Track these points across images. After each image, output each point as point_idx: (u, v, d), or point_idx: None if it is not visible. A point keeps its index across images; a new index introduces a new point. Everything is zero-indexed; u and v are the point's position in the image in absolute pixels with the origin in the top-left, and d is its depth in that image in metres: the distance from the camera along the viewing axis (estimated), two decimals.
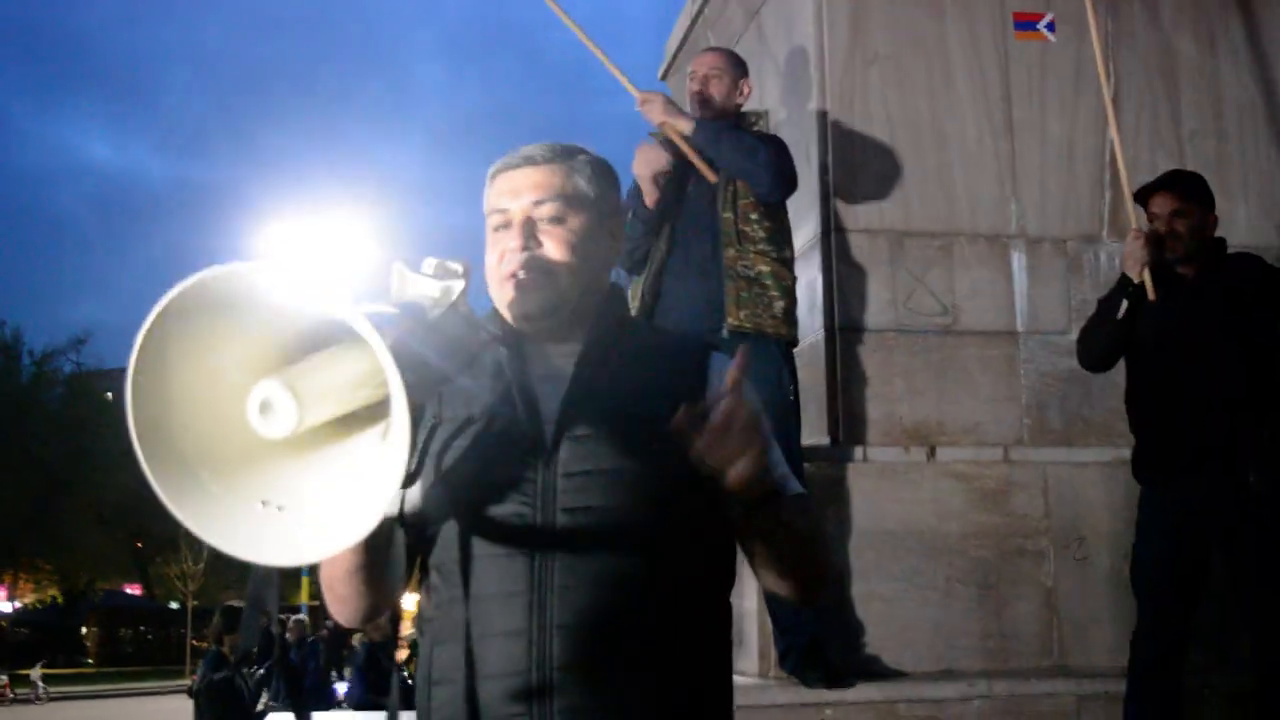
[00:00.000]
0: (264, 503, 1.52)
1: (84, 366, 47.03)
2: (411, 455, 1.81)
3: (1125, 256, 4.48)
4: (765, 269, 4.69)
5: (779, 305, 4.69)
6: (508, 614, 1.84)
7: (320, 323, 1.50)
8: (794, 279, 4.82)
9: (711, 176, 4.71)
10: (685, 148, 4.73)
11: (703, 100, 4.93)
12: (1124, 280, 4.47)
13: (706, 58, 5.09)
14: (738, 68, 5.03)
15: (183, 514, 1.47)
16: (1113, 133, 4.93)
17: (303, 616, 14.85)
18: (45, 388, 46.02)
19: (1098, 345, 4.60)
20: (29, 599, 49.49)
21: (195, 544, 39.35)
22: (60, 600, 50.33)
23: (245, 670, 11.22)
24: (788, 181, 4.81)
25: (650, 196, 4.82)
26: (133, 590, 55.60)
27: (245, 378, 1.48)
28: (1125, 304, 4.44)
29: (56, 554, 44.47)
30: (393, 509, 1.95)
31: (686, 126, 4.74)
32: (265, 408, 1.46)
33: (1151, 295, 4.38)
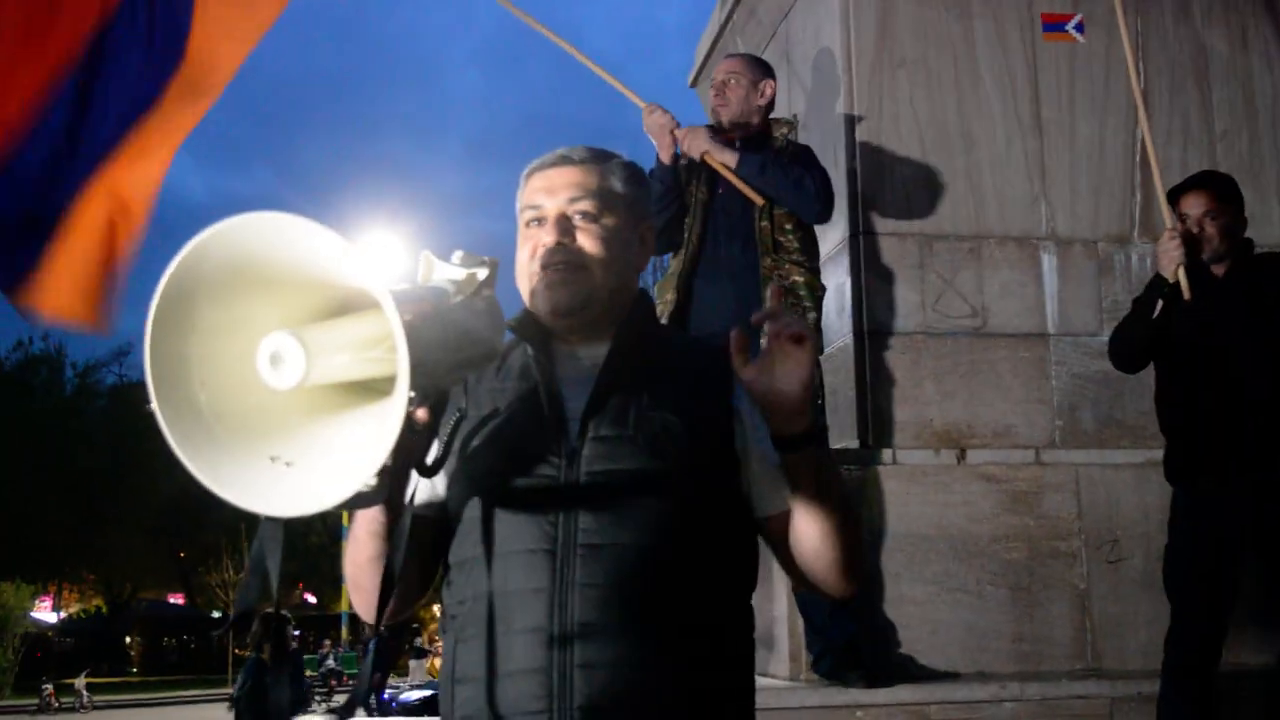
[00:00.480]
0: (273, 458, 1.55)
1: (126, 378, 47.45)
2: (435, 443, 1.83)
3: (1160, 255, 4.45)
4: (800, 279, 4.71)
5: (811, 316, 4.70)
6: (530, 610, 1.86)
7: (340, 289, 1.53)
8: (824, 289, 4.84)
9: (759, 201, 4.74)
10: (731, 177, 4.75)
11: (721, 104, 4.96)
12: (1158, 280, 4.44)
13: (724, 63, 5.12)
14: (756, 70, 5.03)
15: (195, 465, 1.50)
16: (1144, 131, 4.90)
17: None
18: (88, 399, 46.51)
19: (1132, 346, 4.57)
20: (74, 609, 49.99)
21: (236, 553, 39.71)
22: (104, 610, 50.78)
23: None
24: (831, 206, 4.87)
25: (665, 151, 4.86)
26: (175, 599, 56.05)
27: (262, 333, 1.50)
28: (1160, 304, 4.42)
29: (100, 564, 44.88)
30: (420, 500, 1.97)
31: (731, 159, 4.77)
32: (275, 359, 1.48)
33: (1187, 295, 4.35)
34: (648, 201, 2.20)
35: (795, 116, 5.18)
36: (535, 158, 2.14)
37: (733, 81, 4.97)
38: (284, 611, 11.01)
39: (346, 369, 1.57)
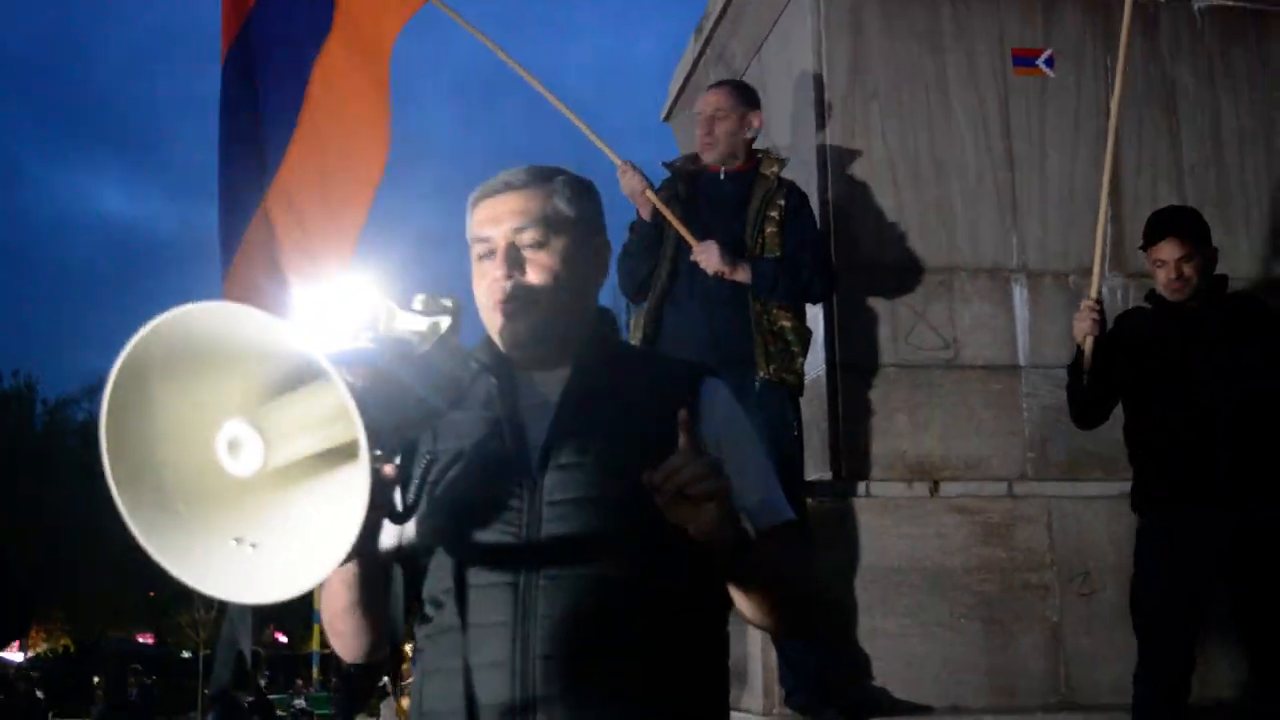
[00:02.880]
0: (238, 540, 1.52)
1: (97, 415, 47.14)
2: (407, 490, 1.81)
3: (1075, 322, 4.54)
4: (787, 324, 4.70)
5: (799, 361, 4.71)
6: (493, 644, 1.84)
7: (296, 363, 1.51)
8: (810, 334, 4.85)
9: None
10: (740, 277, 4.74)
11: (708, 143, 4.93)
12: (1079, 348, 4.53)
13: (711, 97, 5.04)
14: (743, 102, 4.98)
15: (155, 548, 1.48)
16: (1106, 176, 4.91)
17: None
18: (59, 436, 46.08)
19: (1076, 409, 4.64)
20: (41, 648, 49.37)
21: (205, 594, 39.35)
22: (72, 649, 50.18)
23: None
24: (830, 295, 5.05)
25: (644, 209, 4.84)
26: (144, 639, 55.45)
27: (221, 416, 1.49)
28: (1085, 373, 4.49)
29: (69, 603, 44.39)
30: (390, 544, 1.95)
31: (744, 275, 4.71)
32: (234, 446, 1.47)
33: (1087, 366, 4.46)
34: (599, 216, 2.14)
35: (786, 159, 5.10)
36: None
37: (719, 117, 4.93)
38: (257, 649, 10.91)
39: (306, 446, 1.55)
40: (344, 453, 1.55)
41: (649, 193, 4.83)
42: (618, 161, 4.98)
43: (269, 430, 1.47)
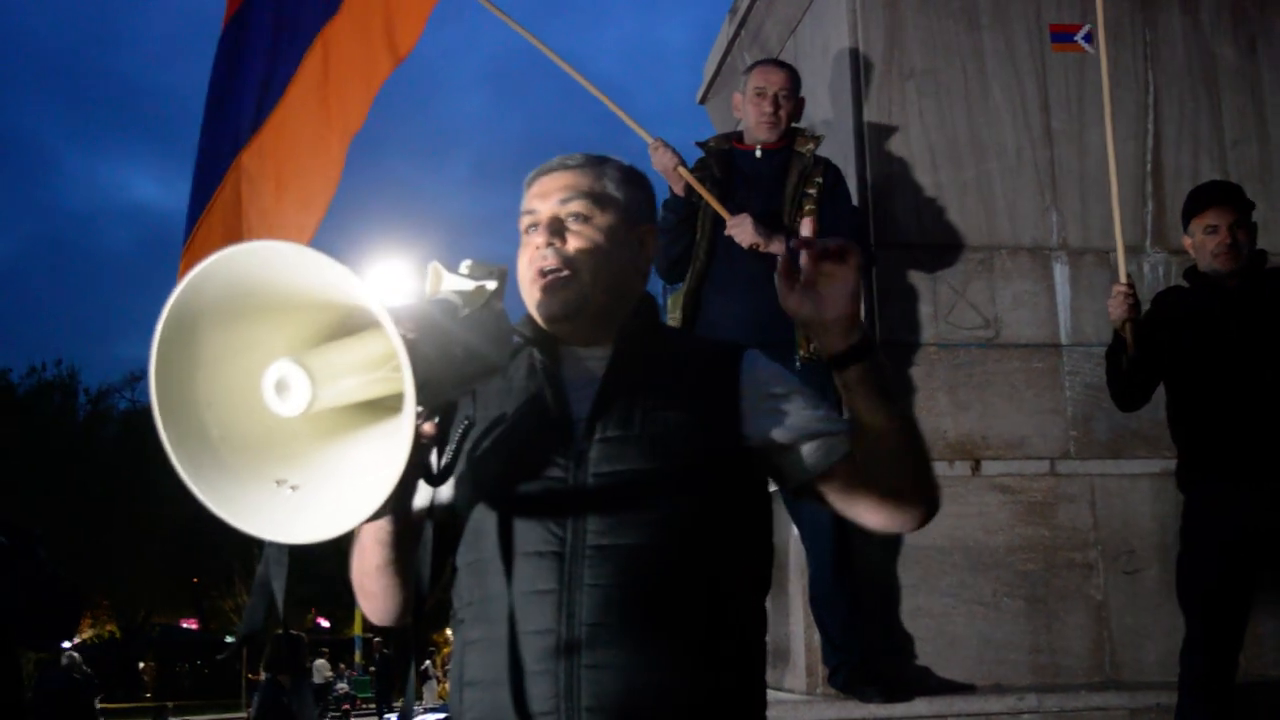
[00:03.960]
0: (279, 482, 1.54)
1: (138, 403, 47.51)
2: (444, 452, 1.83)
3: (1110, 308, 4.54)
4: None
5: None
6: (538, 613, 1.86)
7: (342, 309, 1.53)
8: None
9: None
10: (775, 249, 4.71)
11: (772, 122, 4.94)
12: (1117, 332, 4.54)
13: (776, 76, 5.05)
14: (798, 84, 5.06)
15: (201, 490, 1.50)
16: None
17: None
18: (101, 425, 46.49)
19: (1117, 391, 4.64)
20: (87, 634, 49.96)
21: (250, 576, 39.69)
22: (118, 635, 50.74)
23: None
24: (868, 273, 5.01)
25: (677, 185, 4.85)
26: (189, 624, 55.98)
27: (267, 358, 1.50)
28: (1126, 357, 4.49)
29: (114, 590, 44.83)
30: (423, 504, 1.97)
31: (779, 248, 4.68)
32: (281, 386, 1.48)
33: (1130, 349, 4.44)
34: (647, 205, 2.18)
35: (821, 136, 5.10)
36: None
37: (786, 99, 4.97)
38: (294, 632, 10.99)
39: (352, 392, 1.57)
40: (387, 406, 1.57)
41: (681, 168, 4.85)
42: (649, 139, 4.99)
43: (317, 372, 1.48)
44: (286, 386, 1.47)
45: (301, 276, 1.48)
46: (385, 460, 1.46)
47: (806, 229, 1.86)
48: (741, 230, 4.70)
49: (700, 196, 4.83)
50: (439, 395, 1.64)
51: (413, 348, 1.43)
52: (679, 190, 4.86)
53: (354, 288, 1.45)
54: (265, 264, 1.46)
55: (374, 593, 2.00)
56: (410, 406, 1.43)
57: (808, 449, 1.97)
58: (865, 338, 1.86)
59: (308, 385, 1.47)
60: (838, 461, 1.96)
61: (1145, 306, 4.58)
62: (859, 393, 1.88)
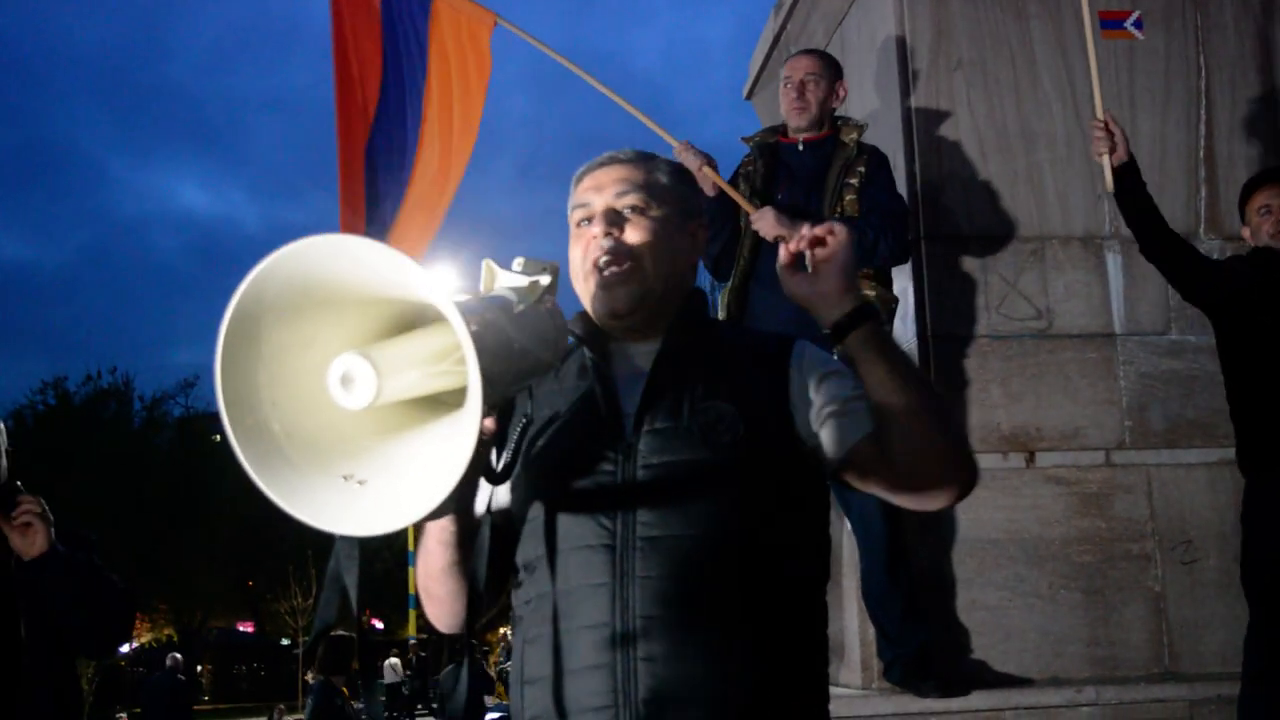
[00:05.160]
0: (346, 477, 1.55)
1: (193, 409, 48.00)
2: (503, 451, 1.84)
3: (1092, 145, 4.54)
4: (871, 294, 4.64)
5: (885, 329, 4.66)
6: (592, 607, 1.86)
7: (403, 304, 1.54)
8: (897, 302, 4.83)
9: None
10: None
11: (800, 107, 4.93)
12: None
13: (802, 61, 5.07)
14: (833, 69, 5.03)
15: (269, 486, 1.51)
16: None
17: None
18: (156, 432, 46.98)
19: (1137, 233, 4.56)
20: (145, 638, 50.52)
21: (304, 579, 39.95)
22: (176, 639, 51.30)
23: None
24: (905, 256, 4.95)
25: (706, 186, 4.85)
26: (245, 628, 56.49)
27: (331, 353, 1.51)
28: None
29: (171, 594, 45.31)
30: (483, 506, 1.98)
31: None
32: (346, 380, 1.49)
33: (1109, 185, 4.48)
34: (695, 200, 2.20)
35: (865, 124, 5.08)
36: None
37: (812, 83, 4.95)
38: (343, 632, 11.04)
39: (416, 385, 1.58)
40: (446, 402, 1.58)
41: (707, 169, 4.86)
42: (674, 143, 5.02)
43: (381, 365, 1.49)
44: (352, 380, 1.48)
45: (363, 271, 1.49)
46: (450, 453, 1.47)
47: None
48: (763, 222, 4.70)
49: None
50: (499, 390, 1.65)
51: (477, 339, 1.44)
52: (708, 190, 4.86)
53: (420, 281, 1.45)
54: (327, 259, 1.47)
55: (440, 597, 2.02)
56: (476, 398, 1.43)
57: (846, 419, 1.95)
58: (860, 307, 1.91)
59: (374, 378, 1.48)
60: (862, 439, 1.94)
61: None
62: (864, 360, 1.90)
